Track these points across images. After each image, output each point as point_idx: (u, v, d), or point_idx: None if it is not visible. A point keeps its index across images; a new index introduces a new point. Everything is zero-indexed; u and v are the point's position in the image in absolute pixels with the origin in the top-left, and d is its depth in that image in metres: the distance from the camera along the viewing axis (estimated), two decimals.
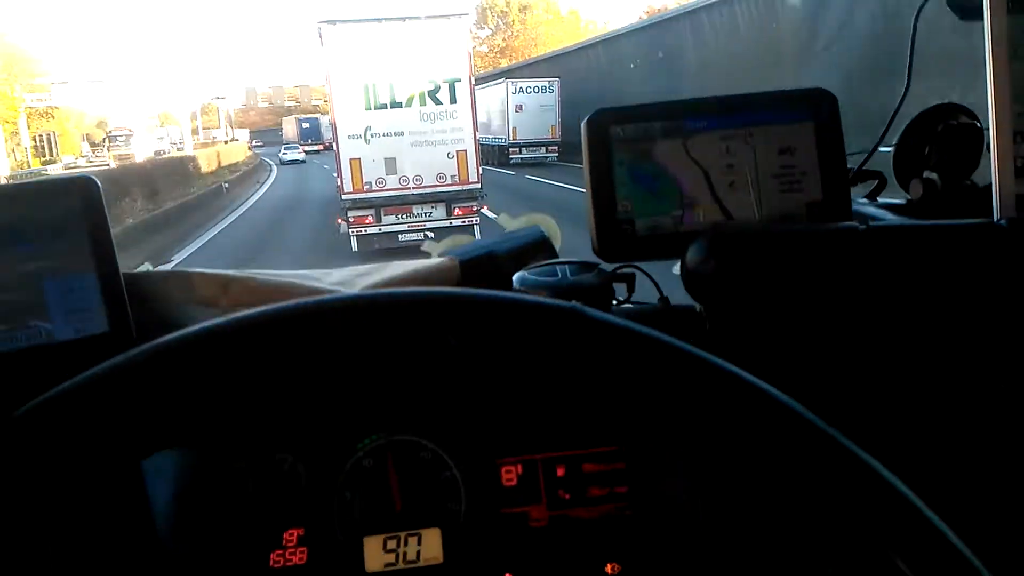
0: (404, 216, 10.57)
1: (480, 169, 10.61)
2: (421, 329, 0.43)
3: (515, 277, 0.80)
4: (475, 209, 10.66)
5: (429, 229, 10.59)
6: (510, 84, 25.52)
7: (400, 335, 0.43)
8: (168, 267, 0.94)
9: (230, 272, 0.79)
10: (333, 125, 10.26)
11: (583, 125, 0.78)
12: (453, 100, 10.34)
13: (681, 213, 0.79)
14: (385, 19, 10.13)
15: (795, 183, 0.79)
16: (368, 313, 0.43)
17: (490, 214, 10.50)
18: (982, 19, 0.77)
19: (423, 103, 10.27)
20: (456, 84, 10.30)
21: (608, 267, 0.82)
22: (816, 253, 0.75)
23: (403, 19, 10.15)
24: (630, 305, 0.85)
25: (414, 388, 0.58)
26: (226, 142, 52.48)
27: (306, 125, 59.16)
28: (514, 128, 25.40)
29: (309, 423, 0.62)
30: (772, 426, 0.40)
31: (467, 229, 9.99)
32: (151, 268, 0.85)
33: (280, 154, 46.48)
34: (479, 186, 10.58)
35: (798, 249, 0.75)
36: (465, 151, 10.47)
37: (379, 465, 0.62)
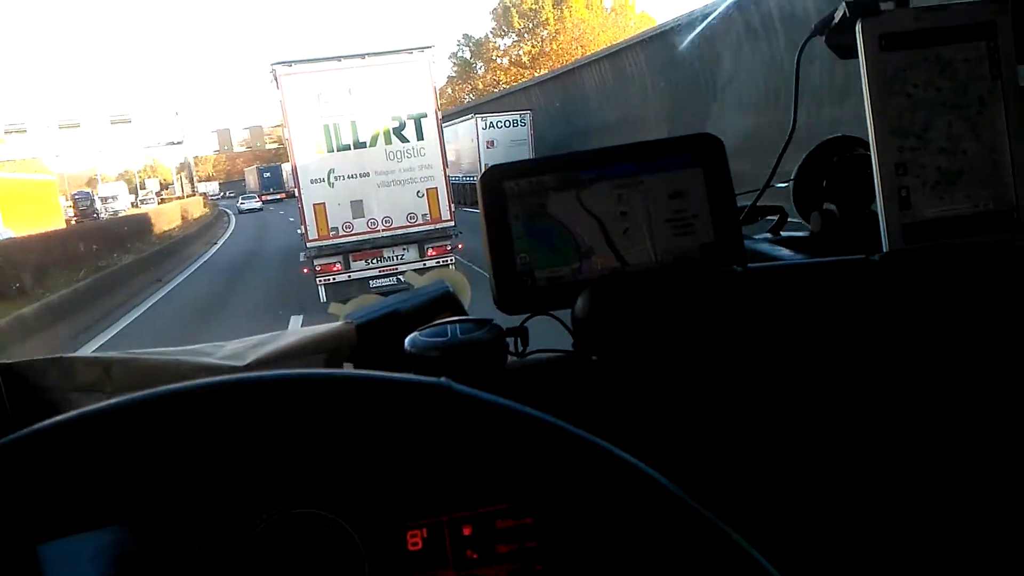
0: (374, 260, 10.01)
1: (452, 207, 10.10)
2: (292, 412, 0.44)
3: (407, 339, 0.78)
4: (449, 248, 10.14)
5: (401, 273, 10.05)
6: (479, 120, 24.87)
7: (271, 418, 0.44)
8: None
9: (113, 354, 0.77)
10: (294, 170, 9.71)
11: (478, 183, 0.81)
12: (420, 136, 9.86)
13: (579, 263, 0.81)
14: (344, 57, 9.66)
15: (687, 226, 0.81)
16: (236, 398, 0.43)
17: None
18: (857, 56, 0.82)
19: (388, 141, 9.79)
20: (422, 120, 9.84)
21: (513, 321, 0.82)
22: (697, 297, 0.79)
23: (362, 56, 9.70)
24: (541, 355, 0.85)
25: (308, 462, 0.53)
26: (162, 201, 52.25)
27: (267, 174, 59.64)
28: (486, 165, 23.72)
29: (201, 502, 0.58)
30: (629, 493, 0.43)
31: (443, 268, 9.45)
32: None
33: (238, 204, 49.88)
34: (452, 224, 10.07)
35: (680, 294, 0.79)
36: (436, 188, 9.97)
37: (278, 540, 0.58)
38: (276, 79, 9.40)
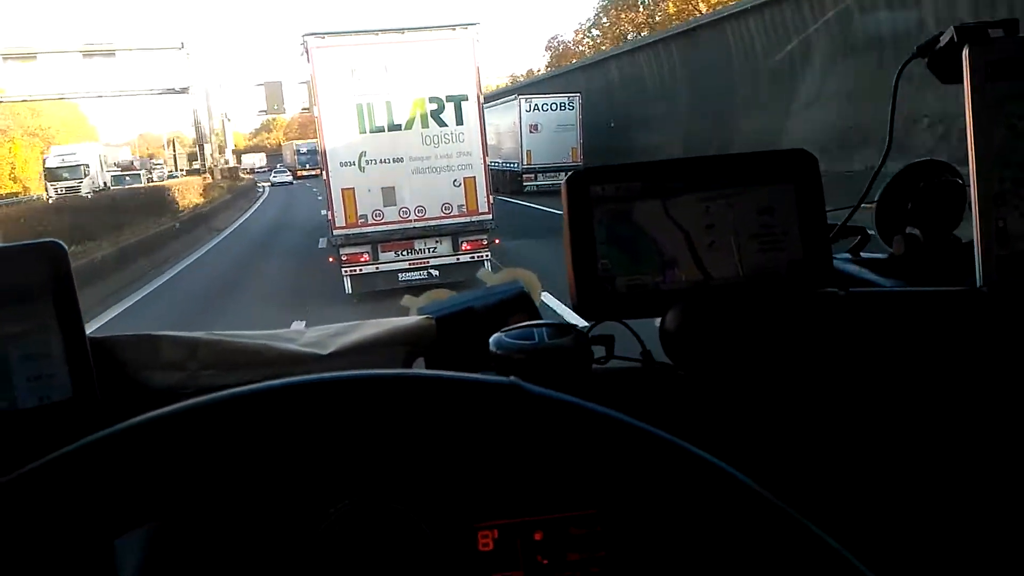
0: (405, 252, 9.29)
1: (491, 198, 9.33)
2: (365, 412, 0.45)
3: (492, 339, 0.78)
4: (485, 243, 9.38)
5: (433, 267, 9.33)
6: (523, 101, 22.54)
7: (345, 418, 0.45)
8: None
9: (198, 335, 0.79)
10: (322, 151, 9.02)
11: (563, 184, 0.80)
12: (460, 121, 9.10)
13: (661, 273, 0.80)
14: (381, 31, 8.92)
15: (775, 243, 0.80)
16: (309, 398, 0.45)
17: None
18: (962, 82, 0.80)
19: (425, 125, 9.03)
20: (463, 103, 9.06)
21: (587, 327, 0.82)
22: (794, 318, 0.78)
23: (401, 30, 8.94)
24: (614, 362, 0.84)
25: (381, 457, 0.55)
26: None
27: (304, 151, 58.98)
28: (528, 151, 22.24)
29: (276, 491, 0.61)
30: (708, 492, 0.42)
31: (476, 266, 8.71)
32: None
33: (271, 177, 51.85)
34: (490, 217, 9.30)
35: (776, 313, 0.77)
36: (474, 178, 9.21)
37: (351, 530, 0.61)
38: (307, 51, 8.70)
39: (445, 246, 9.38)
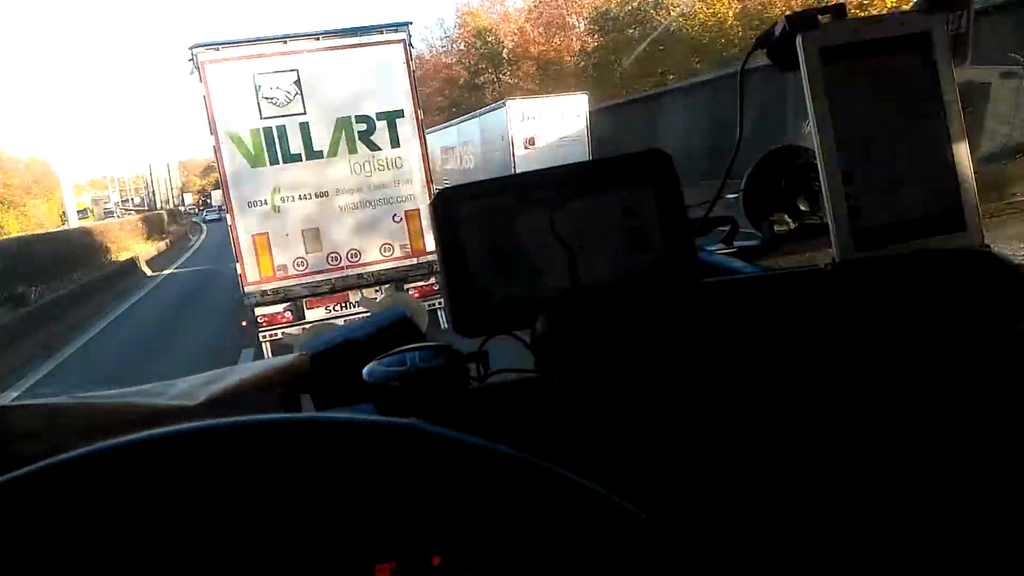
0: (337, 307, 7.52)
1: None
2: (252, 460, 0.44)
3: (365, 369, 0.76)
4: (436, 288, 7.67)
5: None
6: (512, 107, 17.24)
7: (228, 467, 0.44)
8: None
9: (57, 399, 0.74)
10: (224, 189, 7.19)
11: (430, 206, 0.80)
12: (395, 143, 7.41)
13: (534, 283, 0.80)
14: (290, 37, 7.17)
15: (640, 243, 0.81)
16: (190, 448, 0.43)
17: None
18: (799, 69, 0.82)
19: (353, 150, 7.32)
20: (397, 120, 7.37)
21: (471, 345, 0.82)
22: (655, 313, 0.79)
23: (316, 36, 7.21)
24: (497, 377, 0.83)
25: (274, 507, 0.51)
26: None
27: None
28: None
29: (174, 542, 0.53)
30: (586, 518, 0.44)
31: (432, 316, 6.99)
32: None
33: (204, 215, 56.55)
34: None
35: (638, 310, 0.79)
36: (417, 210, 7.49)
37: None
38: (198, 67, 6.90)
39: (387, 296, 7.64)
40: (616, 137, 18.53)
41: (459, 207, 0.80)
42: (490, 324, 0.80)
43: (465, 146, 20.90)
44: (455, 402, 0.76)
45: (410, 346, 0.79)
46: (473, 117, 20.69)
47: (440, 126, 25.58)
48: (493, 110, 18.65)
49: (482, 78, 37.39)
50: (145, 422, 0.68)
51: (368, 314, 0.96)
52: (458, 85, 38.72)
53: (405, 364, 0.76)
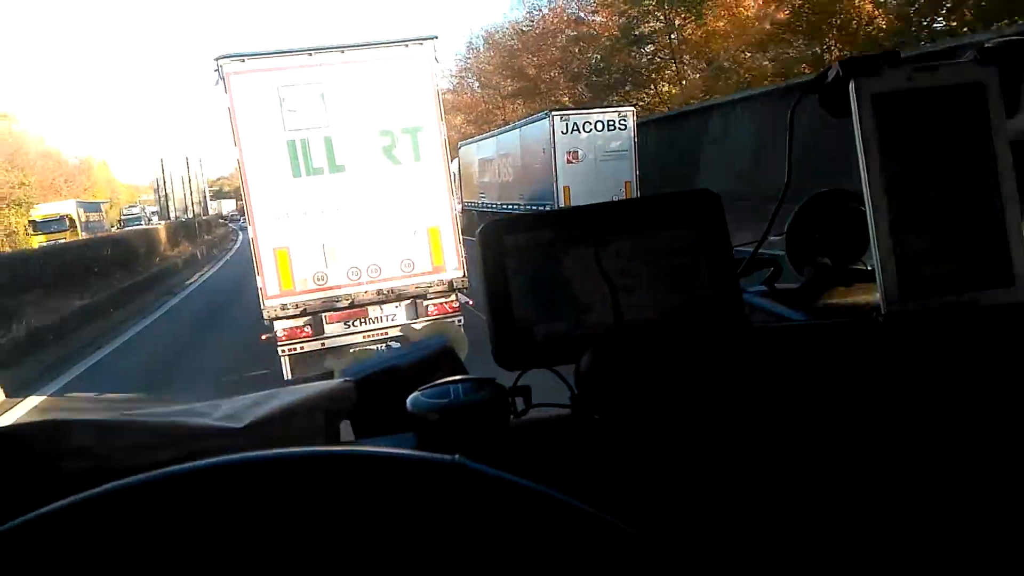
0: (356, 323, 7.44)
1: (462, 249, 7.55)
2: (298, 491, 0.44)
3: (408, 400, 0.77)
4: (458, 306, 7.57)
5: (393, 339, 7.48)
6: (557, 119, 16.31)
7: (276, 498, 0.44)
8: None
9: (108, 417, 0.75)
10: (247, 202, 7.15)
11: (477, 235, 0.81)
12: (417, 157, 7.33)
13: (577, 319, 0.80)
14: (315, 50, 7.13)
15: (685, 283, 0.81)
16: (242, 478, 0.44)
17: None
18: (851, 116, 0.82)
19: (375, 164, 7.25)
20: (419, 134, 7.30)
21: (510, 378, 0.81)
22: (703, 356, 0.78)
23: (341, 49, 7.17)
24: (538, 411, 0.82)
25: (315, 539, 0.51)
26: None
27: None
28: (566, 188, 16.15)
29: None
30: (624, 560, 0.44)
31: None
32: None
33: (241, 222, 58.55)
34: (461, 274, 7.49)
35: (686, 353, 0.78)
36: (439, 227, 7.41)
37: None
38: (223, 79, 6.89)
39: (407, 312, 7.56)
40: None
41: (504, 238, 0.79)
42: (531, 358, 0.80)
43: (504, 158, 20.43)
44: (497, 436, 0.76)
45: (454, 378, 0.79)
46: (513, 128, 20.12)
47: (477, 138, 25.23)
48: (534, 121, 18.02)
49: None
50: (191, 442, 0.73)
51: (406, 342, 0.90)
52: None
53: (448, 396, 0.76)
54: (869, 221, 0.82)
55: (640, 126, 17.37)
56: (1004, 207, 0.82)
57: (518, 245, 0.79)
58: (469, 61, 42.02)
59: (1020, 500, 0.73)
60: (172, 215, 36.42)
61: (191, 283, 21.49)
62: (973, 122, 0.82)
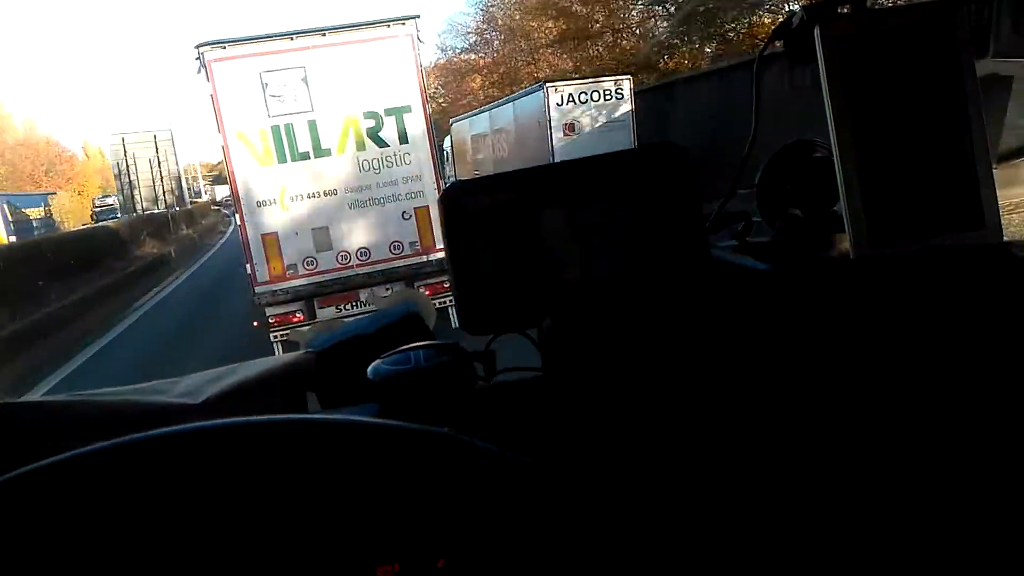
0: (348, 306, 7.47)
1: None
2: (284, 459, 0.44)
3: (369, 368, 0.75)
4: (447, 286, 7.60)
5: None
6: (551, 91, 15.43)
7: (275, 464, 0.44)
8: None
9: (59, 397, 0.74)
10: (233, 188, 7.16)
11: (439, 201, 0.79)
12: (404, 139, 7.33)
13: (543, 279, 0.79)
14: (296, 34, 7.10)
15: (653, 238, 0.79)
16: (221, 444, 0.44)
17: None
18: (817, 62, 0.81)
19: (361, 147, 7.25)
20: (405, 115, 7.29)
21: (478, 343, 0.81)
22: (665, 308, 0.78)
23: (322, 32, 7.14)
24: (509, 375, 0.82)
25: (298, 506, 0.51)
26: None
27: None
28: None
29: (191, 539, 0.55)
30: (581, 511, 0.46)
31: (442, 313, 6.91)
32: None
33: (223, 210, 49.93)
34: None
35: (648, 305, 0.78)
36: (427, 207, 7.42)
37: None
38: (205, 65, 6.87)
39: (396, 292, 7.59)
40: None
41: (468, 202, 0.77)
42: (498, 322, 0.79)
43: (498, 134, 19.44)
44: (461, 401, 0.75)
45: (415, 344, 0.77)
46: (507, 102, 19.18)
47: (470, 113, 24.10)
48: (529, 94, 16.92)
49: None
50: (147, 420, 0.69)
51: (376, 311, 0.94)
52: None
53: (409, 362, 0.74)
54: (837, 169, 0.80)
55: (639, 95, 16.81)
56: (974, 149, 0.80)
57: (480, 207, 0.77)
58: (491, 9, 34.59)
59: (998, 443, 0.72)
60: (139, 206, 28.71)
61: (147, 302, 14.53)
62: (942, 63, 0.80)
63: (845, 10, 0.82)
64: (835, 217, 0.96)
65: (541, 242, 0.78)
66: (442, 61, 37.99)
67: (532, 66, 32.20)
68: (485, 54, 36.56)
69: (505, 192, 0.79)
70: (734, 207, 1.06)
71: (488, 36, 35.53)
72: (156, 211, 29.01)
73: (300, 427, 0.46)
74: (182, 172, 31.46)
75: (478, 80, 36.14)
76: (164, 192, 29.40)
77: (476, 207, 0.77)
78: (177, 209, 30.70)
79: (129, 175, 29.97)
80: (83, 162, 63.72)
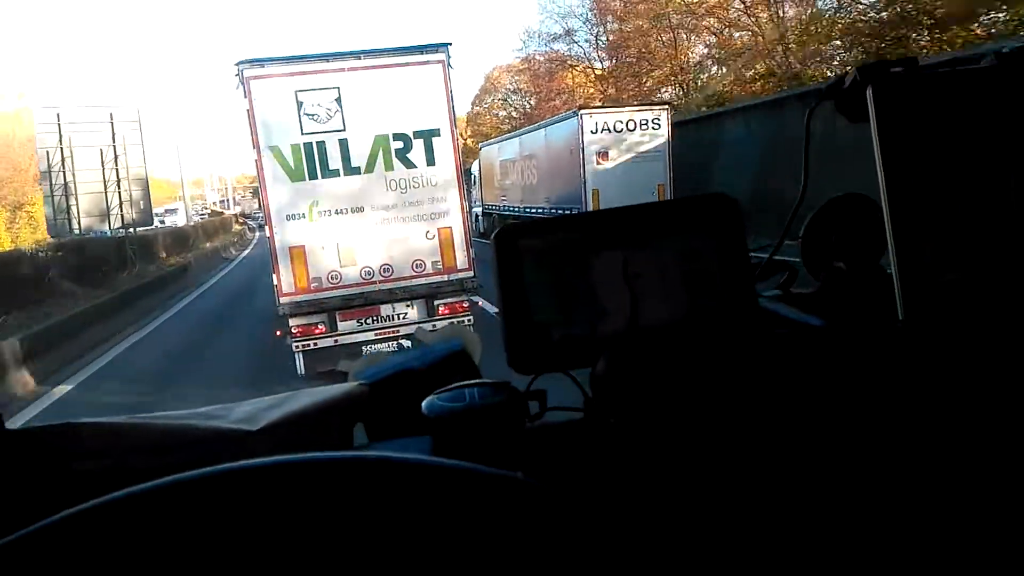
0: (369, 320, 7.65)
1: (472, 251, 7.74)
2: (365, 496, 0.44)
3: (424, 403, 0.77)
4: (467, 306, 7.77)
5: (405, 336, 7.68)
6: (586, 118, 15.49)
7: (341, 502, 0.44)
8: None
9: (121, 419, 0.75)
10: (264, 202, 7.40)
11: (492, 238, 0.80)
12: (431, 161, 7.53)
13: (593, 323, 0.80)
14: (332, 56, 7.36)
15: (702, 288, 0.80)
16: (316, 481, 0.44)
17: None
18: (868, 121, 0.81)
19: (389, 167, 7.46)
20: (434, 139, 7.50)
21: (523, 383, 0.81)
22: (720, 360, 0.78)
23: (357, 55, 7.40)
24: (554, 415, 0.83)
25: (366, 544, 0.50)
26: None
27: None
28: (595, 191, 15.31)
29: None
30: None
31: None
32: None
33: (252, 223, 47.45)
34: (471, 274, 7.69)
35: (703, 357, 0.78)
36: (450, 228, 7.61)
37: None
38: (243, 83, 7.13)
39: (418, 310, 7.75)
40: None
41: (520, 242, 0.79)
42: (545, 362, 0.80)
43: (528, 160, 19.57)
44: (512, 440, 0.76)
45: (470, 382, 0.79)
46: (538, 128, 19.26)
47: (499, 138, 24.45)
48: (561, 120, 17.09)
49: None
50: (206, 444, 0.74)
51: (417, 343, 0.98)
52: None
53: (464, 400, 0.76)
54: (887, 227, 0.80)
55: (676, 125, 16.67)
56: None
57: (533, 248, 0.79)
58: None
59: None
60: (76, 222, 17.78)
61: None
62: (991, 127, 0.80)
63: (897, 70, 0.82)
64: (879, 272, 0.97)
65: (590, 285, 0.79)
66: (517, 62, 34.40)
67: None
68: (589, 40, 30.63)
69: (557, 234, 0.80)
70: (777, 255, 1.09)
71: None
72: (101, 233, 19.23)
73: (393, 466, 0.45)
74: (148, 176, 19.49)
75: (573, 76, 31.50)
76: (120, 202, 18.29)
77: (528, 246, 0.79)
78: (134, 232, 19.85)
79: (64, 173, 17.59)
80: None
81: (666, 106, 16.07)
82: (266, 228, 7.43)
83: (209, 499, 0.43)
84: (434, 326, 7.50)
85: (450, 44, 7.48)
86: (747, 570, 0.60)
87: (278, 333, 7.61)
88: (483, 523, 0.44)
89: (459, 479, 0.45)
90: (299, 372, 7.40)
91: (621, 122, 15.52)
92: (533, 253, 0.79)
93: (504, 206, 22.30)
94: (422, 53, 7.50)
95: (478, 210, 23.46)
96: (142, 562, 0.42)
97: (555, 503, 0.45)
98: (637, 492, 0.71)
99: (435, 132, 7.49)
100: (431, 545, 0.48)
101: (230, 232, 37.99)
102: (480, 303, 7.82)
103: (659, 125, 15.45)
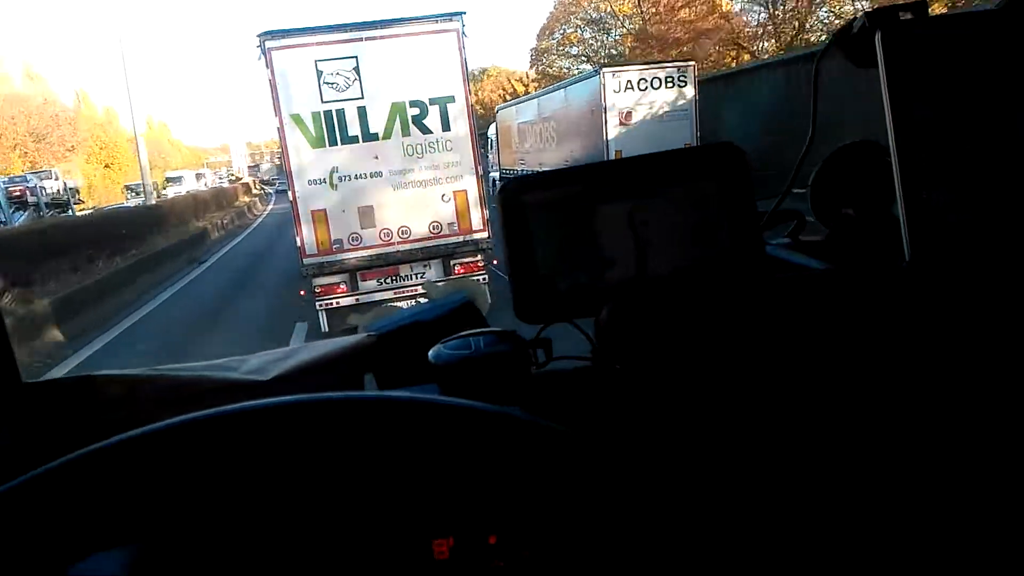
0: (389, 280, 8.04)
1: (487, 212, 8.07)
2: (344, 433, 0.46)
3: (431, 352, 0.80)
4: (482, 265, 8.12)
5: (423, 295, 8.07)
6: (609, 76, 14.73)
7: (315, 440, 0.46)
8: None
9: (137, 371, 0.77)
10: (287, 168, 7.76)
11: (496, 195, 0.81)
12: (446, 126, 7.83)
13: (599, 273, 0.80)
14: (350, 26, 7.65)
15: (708, 236, 0.80)
16: (291, 419, 0.46)
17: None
18: (877, 66, 0.81)
19: (406, 133, 7.78)
20: (448, 105, 7.79)
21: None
22: (723, 306, 0.79)
23: (374, 25, 7.68)
24: (559, 364, 0.85)
25: (368, 476, 0.54)
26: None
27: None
28: (617, 152, 14.42)
29: (263, 510, 0.58)
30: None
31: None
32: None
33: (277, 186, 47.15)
34: (486, 235, 8.03)
35: (706, 303, 0.79)
36: (465, 191, 7.95)
37: (317, 544, 0.59)
38: (265, 53, 7.45)
39: (436, 270, 8.13)
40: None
41: (524, 196, 0.80)
42: (552, 311, 0.81)
43: (547, 122, 18.63)
44: (518, 386, 0.78)
45: (475, 331, 0.82)
46: (557, 88, 18.19)
47: (515, 100, 23.53)
48: (583, 79, 16.22)
49: None
50: (220, 394, 0.76)
51: (429, 298, 1.01)
52: None
53: (470, 348, 0.79)
54: (895, 171, 0.80)
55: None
56: None
57: (538, 201, 0.79)
58: None
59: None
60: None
61: None
62: (1003, 70, 0.80)
63: (907, 16, 0.82)
64: (888, 218, 0.96)
65: (596, 236, 0.79)
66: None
67: None
68: None
69: (562, 187, 0.80)
70: (787, 206, 1.09)
71: None
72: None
73: (378, 404, 0.46)
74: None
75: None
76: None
77: (533, 201, 0.79)
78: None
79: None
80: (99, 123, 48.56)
81: (691, 63, 15.27)
82: (288, 192, 7.80)
83: (225, 436, 0.45)
84: (443, 281, 7.88)
85: (464, 13, 7.72)
86: (745, 519, 0.59)
87: (302, 292, 8.03)
88: (478, 456, 0.45)
89: (455, 415, 0.45)
90: (323, 328, 7.82)
91: (645, 80, 14.73)
92: (538, 206, 0.79)
93: (523, 170, 21.30)
94: (437, 22, 7.76)
95: (495, 175, 22.65)
96: (160, 494, 0.44)
97: (550, 437, 0.45)
98: (641, 433, 0.72)
99: (450, 99, 7.78)
100: (428, 477, 0.50)
101: (229, 208, 31.06)
102: (496, 262, 8.16)
103: (685, 81, 14.70)
